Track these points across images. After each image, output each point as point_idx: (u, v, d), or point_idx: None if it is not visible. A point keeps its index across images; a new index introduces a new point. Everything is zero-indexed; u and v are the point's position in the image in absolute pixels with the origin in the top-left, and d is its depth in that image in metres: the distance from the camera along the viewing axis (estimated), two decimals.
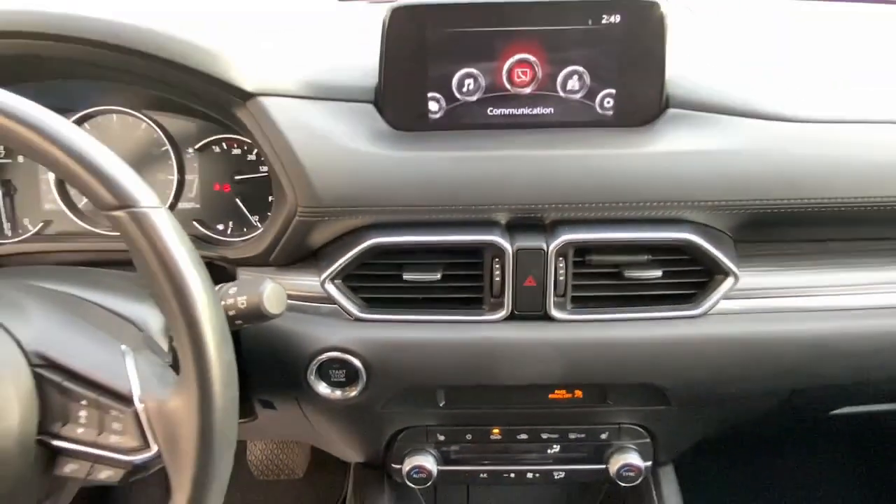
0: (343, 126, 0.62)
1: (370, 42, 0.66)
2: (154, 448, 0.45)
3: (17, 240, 0.72)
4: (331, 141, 0.61)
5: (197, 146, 0.71)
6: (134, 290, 0.59)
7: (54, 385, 0.46)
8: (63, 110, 0.58)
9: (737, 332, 0.63)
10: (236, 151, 0.70)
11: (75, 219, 0.71)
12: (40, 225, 0.72)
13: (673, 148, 0.61)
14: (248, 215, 0.71)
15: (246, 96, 0.60)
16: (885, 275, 0.68)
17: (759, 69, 0.68)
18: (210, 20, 0.68)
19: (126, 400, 0.45)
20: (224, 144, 0.71)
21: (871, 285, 0.67)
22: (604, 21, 0.60)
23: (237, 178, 0.71)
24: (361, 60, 0.66)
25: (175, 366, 0.51)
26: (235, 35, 0.65)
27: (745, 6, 0.89)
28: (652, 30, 0.60)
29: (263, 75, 0.61)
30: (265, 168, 0.70)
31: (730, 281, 0.62)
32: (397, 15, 0.60)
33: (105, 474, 0.46)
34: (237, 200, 0.71)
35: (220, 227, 0.72)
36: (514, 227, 0.62)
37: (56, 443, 0.46)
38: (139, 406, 0.44)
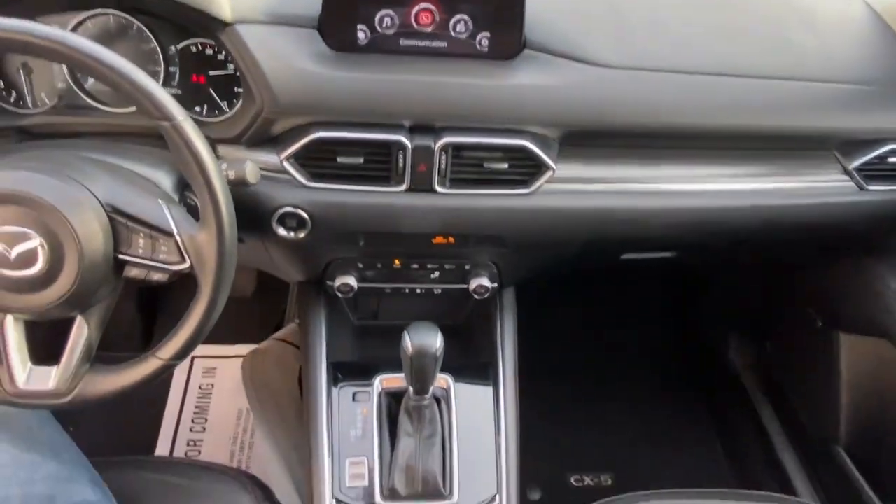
0: (296, 48, 0.86)
1: None
2: (188, 262, 0.75)
3: (38, 111, 0.94)
4: (287, 60, 0.85)
5: (178, 45, 0.92)
6: (148, 157, 0.85)
7: (121, 223, 0.74)
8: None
9: (549, 204, 0.96)
10: (209, 52, 0.93)
11: (83, 96, 0.94)
12: (56, 100, 0.94)
13: (520, 81, 0.90)
14: (219, 101, 0.95)
15: (225, 24, 0.84)
16: (668, 171, 1.00)
17: (593, 20, 0.95)
18: None
19: (168, 234, 0.74)
20: (199, 45, 0.93)
21: (654, 177, 1.00)
22: None
23: (211, 73, 0.94)
24: None
25: (191, 213, 0.80)
26: None
27: None
28: None
29: (238, 7, 0.84)
30: (233, 67, 0.93)
31: (549, 172, 0.95)
32: None
33: (157, 276, 0.76)
34: (210, 90, 0.95)
35: (197, 109, 0.95)
36: (414, 130, 0.91)
37: (125, 257, 0.75)
38: (178, 238, 0.74)
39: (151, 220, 0.74)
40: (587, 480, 1.62)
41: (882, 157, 1.02)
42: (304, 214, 0.93)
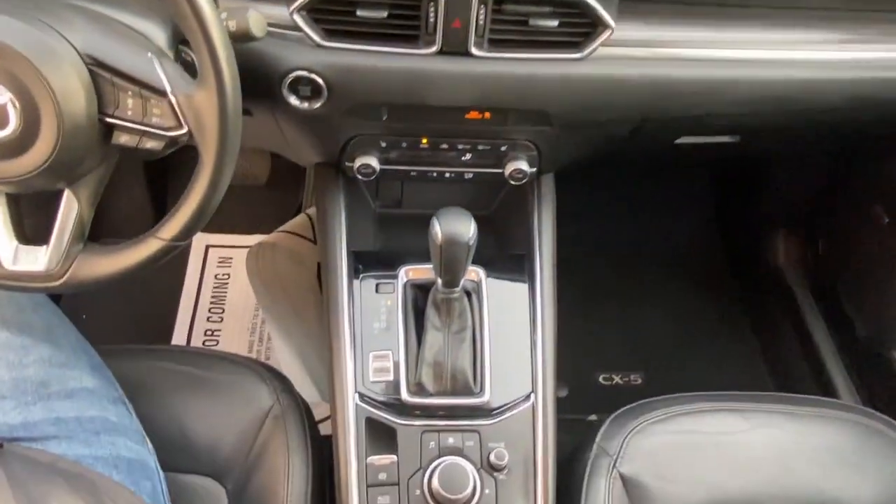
0: None
1: None
2: (185, 127, 0.64)
3: None
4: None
5: None
6: (137, 5, 0.72)
7: (105, 80, 0.63)
8: None
9: (605, 72, 0.83)
10: None
11: None
12: None
13: None
14: None
15: None
16: (744, 34, 0.87)
17: None
18: None
19: (161, 93, 0.63)
20: None
21: (729, 42, 0.87)
22: None
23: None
24: None
25: (188, 72, 0.68)
26: None
27: None
28: None
29: None
30: None
31: (607, 32, 0.80)
32: None
33: (150, 144, 0.66)
34: None
35: None
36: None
37: (112, 120, 0.64)
38: (172, 97, 0.63)
39: (140, 76, 0.63)
40: (616, 379, 1.56)
41: None
42: (319, 80, 0.81)
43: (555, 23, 0.79)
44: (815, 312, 1.51)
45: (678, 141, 1.04)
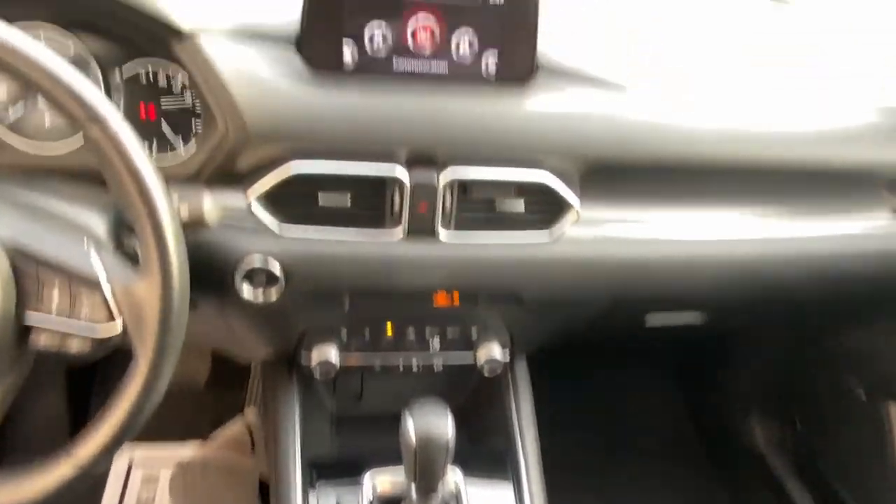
0: (269, 65, 0.72)
1: None
2: (119, 323, 0.55)
3: None
4: (258, 79, 0.70)
5: (123, 70, 0.76)
6: (76, 195, 0.67)
7: (28, 272, 0.55)
8: None
9: (574, 252, 0.81)
10: (162, 81, 0.77)
11: None
12: None
13: (536, 108, 0.77)
14: (172, 139, 0.79)
15: (183, 35, 0.68)
16: (703, 214, 0.88)
17: (613, 40, 0.84)
18: None
19: (93, 284, 0.55)
20: (151, 73, 0.77)
21: (689, 222, 0.87)
22: (490, 1, 0.74)
23: (163, 103, 0.78)
24: (284, 6, 0.75)
25: (129, 261, 0.61)
26: None
27: None
28: (528, 8, 0.75)
29: (200, 16, 0.69)
30: (189, 97, 0.77)
31: (574, 214, 0.80)
32: None
33: (76, 346, 0.56)
34: (161, 123, 0.78)
35: (145, 144, 0.79)
36: (412, 163, 0.76)
37: (32, 313, 0.55)
38: (106, 289, 0.55)
39: (70, 266, 0.55)
40: None
41: None
42: (276, 269, 0.75)
43: (521, 205, 0.78)
44: (806, 498, 1.40)
45: (648, 322, 1.01)
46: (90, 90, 0.51)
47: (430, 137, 0.75)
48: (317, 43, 0.73)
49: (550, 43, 0.78)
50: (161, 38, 0.69)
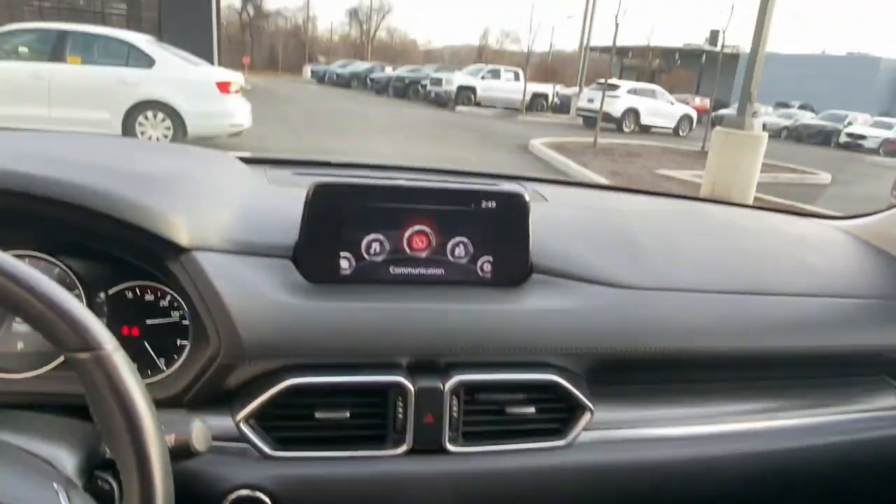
0: (266, 279, 0.70)
1: (287, 205, 0.77)
2: None
3: None
4: (255, 293, 0.69)
5: (109, 291, 0.74)
6: (44, 428, 0.59)
7: None
8: None
9: (591, 458, 0.76)
10: (149, 297, 0.75)
11: None
12: None
13: (535, 306, 0.77)
14: (156, 359, 0.74)
15: (181, 251, 0.67)
16: (713, 409, 0.85)
17: (602, 244, 0.87)
18: (141, 178, 0.75)
19: None
20: (137, 290, 0.75)
21: (701, 418, 0.84)
22: (483, 206, 0.77)
23: (148, 322, 0.75)
24: (280, 221, 0.76)
25: (100, 501, 0.52)
26: (165, 192, 0.73)
27: (581, 196, 1.14)
28: (518, 212, 0.78)
29: (196, 232, 0.69)
30: (177, 314, 0.75)
31: (587, 415, 0.75)
32: (319, 191, 0.72)
33: None
34: (145, 344, 0.74)
35: None
36: (414, 369, 0.72)
37: None
38: None
39: None
40: None
41: None
42: (266, 499, 0.66)
43: (532, 409, 0.74)
44: None
45: None
46: (82, 313, 0.48)
47: (432, 342, 0.72)
48: (315, 257, 0.73)
49: (543, 245, 0.81)
50: (157, 255, 0.68)
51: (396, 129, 12.57)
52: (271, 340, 0.67)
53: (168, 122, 6.70)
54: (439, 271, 0.77)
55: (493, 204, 0.77)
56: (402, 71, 25.46)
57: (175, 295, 0.72)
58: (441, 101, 19.69)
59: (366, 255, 0.75)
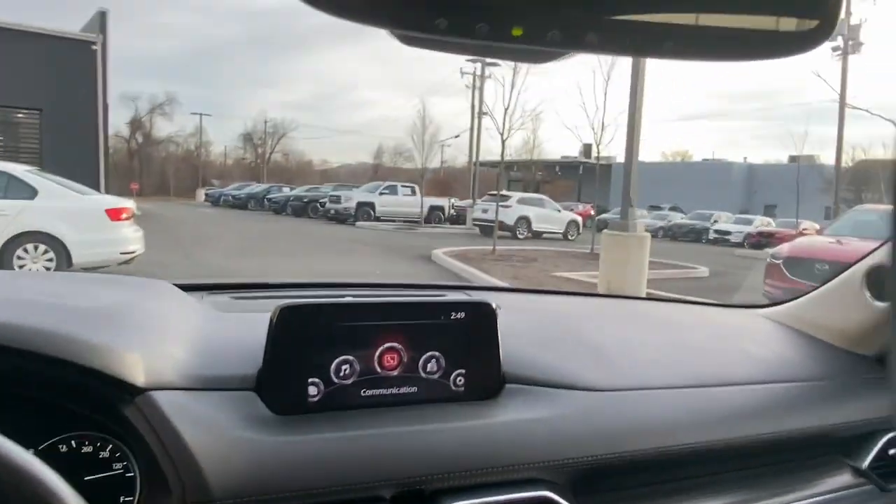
0: (229, 415, 0.64)
1: (242, 332, 0.72)
2: None
3: None
4: (219, 431, 0.62)
5: (40, 447, 0.64)
6: None
7: None
8: None
9: None
10: (87, 449, 0.66)
11: None
12: None
13: (514, 417, 0.75)
14: None
15: (136, 392, 0.60)
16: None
17: (564, 349, 0.88)
18: (85, 314, 0.68)
19: None
20: (73, 442, 0.66)
21: None
22: (452, 317, 0.76)
23: (87, 478, 0.65)
24: (237, 350, 0.71)
25: None
26: (115, 328, 0.66)
27: (525, 301, 1.16)
28: (488, 322, 0.77)
29: (152, 369, 0.63)
30: (120, 466, 0.66)
31: None
32: (285, 314, 0.68)
33: None
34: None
35: None
36: (399, 500, 0.66)
37: None
38: None
39: None
40: None
41: (884, 451, 0.95)
42: None
43: None
44: None
45: None
46: (31, 463, 0.40)
47: (413, 468, 0.68)
48: (282, 386, 0.68)
49: (512, 355, 0.80)
50: (107, 400, 0.60)
51: (300, 247, 12.49)
52: (240, 482, 0.60)
53: (50, 254, 6.28)
54: (412, 389, 0.74)
55: (463, 315, 0.76)
56: (300, 190, 25.74)
57: (119, 444, 0.64)
58: (341, 218, 19.94)
59: (335, 379, 0.70)
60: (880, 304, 1.02)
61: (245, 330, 0.71)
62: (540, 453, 0.73)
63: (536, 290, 1.20)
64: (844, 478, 0.94)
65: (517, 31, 0.37)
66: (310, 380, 0.69)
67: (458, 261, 10.20)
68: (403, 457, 0.68)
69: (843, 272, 1.11)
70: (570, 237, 18.71)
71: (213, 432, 0.61)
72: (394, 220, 20.08)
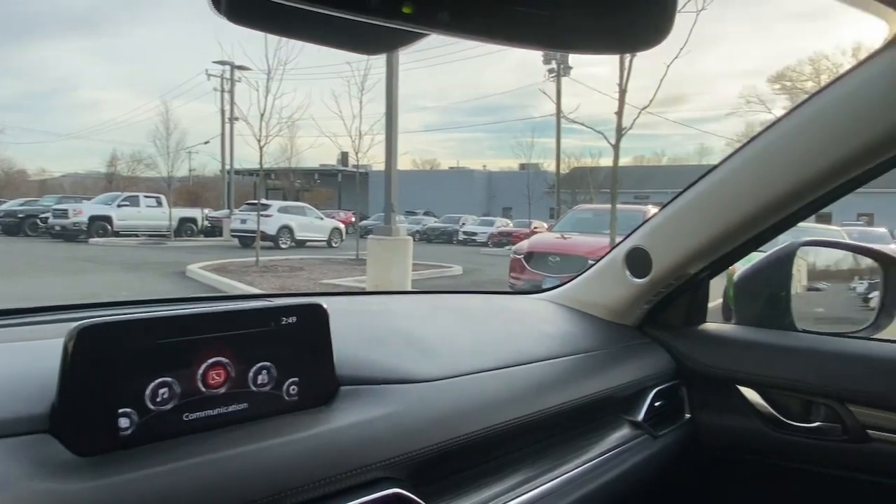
0: (19, 465, 0.51)
1: (22, 365, 0.59)
2: None
3: None
4: (8, 487, 0.49)
5: None
6: None
7: None
8: None
9: None
10: None
11: None
12: None
13: (352, 420, 0.72)
14: None
15: None
16: (520, 477, 0.88)
17: (392, 345, 0.87)
18: None
19: None
20: None
21: (517, 488, 0.86)
22: (283, 322, 0.70)
23: None
24: (20, 386, 0.58)
25: None
26: None
27: (341, 302, 1.13)
28: (320, 325, 0.73)
29: None
30: None
31: None
32: (85, 335, 0.57)
33: None
34: None
35: None
36: None
37: None
38: None
39: None
40: None
41: (653, 404, 1.12)
42: None
43: None
44: None
45: None
46: None
47: (249, 493, 0.61)
48: (83, 423, 0.57)
49: (342, 357, 0.77)
50: None
51: (18, 269, 10.54)
52: None
53: None
54: (243, 406, 0.67)
55: (294, 319, 0.71)
56: (13, 204, 21.69)
57: None
58: (69, 235, 17.31)
59: (152, 406, 0.60)
60: (638, 280, 1.20)
61: (30, 361, 0.58)
62: (384, 451, 0.72)
63: (352, 293, 1.18)
64: (624, 432, 1.09)
65: (407, 9, 0.36)
66: (120, 410, 0.58)
67: (218, 274, 9.57)
68: (237, 481, 0.61)
69: (598, 260, 1.29)
70: (333, 244, 18.75)
71: (1, 489, 0.49)
72: (137, 235, 18.06)
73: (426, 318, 1.05)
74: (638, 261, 1.20)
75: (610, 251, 1.28)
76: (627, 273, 1.22)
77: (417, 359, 0.85)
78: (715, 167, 1.12)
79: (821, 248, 1.44)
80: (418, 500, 0.71)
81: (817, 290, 1.70)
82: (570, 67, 24.12)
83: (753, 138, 1.08)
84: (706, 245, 1.12)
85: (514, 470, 0.90)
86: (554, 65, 23.73)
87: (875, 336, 1.24)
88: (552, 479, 0.92)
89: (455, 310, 1.16)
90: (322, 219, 19.25)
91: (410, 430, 0.75)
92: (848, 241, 1.37)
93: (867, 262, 1.41)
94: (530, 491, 0.88)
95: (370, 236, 9.23)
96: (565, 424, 1.01)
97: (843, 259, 1.68)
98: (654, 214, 1.21)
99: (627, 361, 1.14)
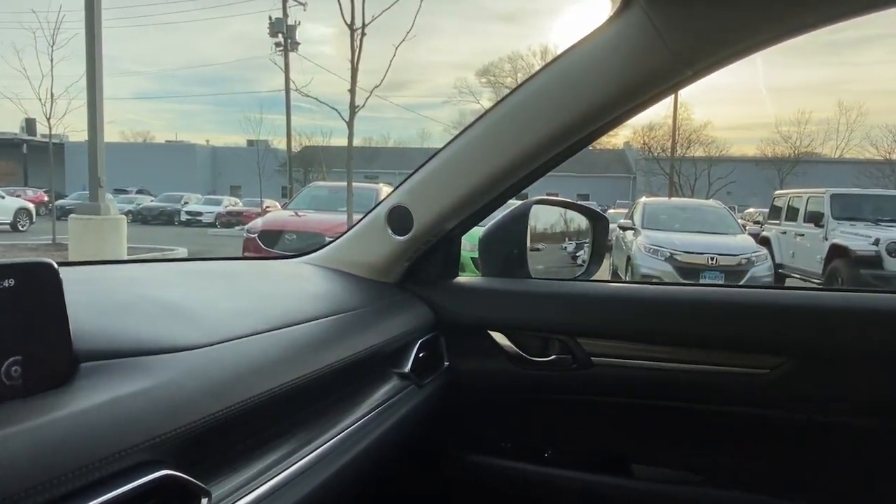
0: None
1: None
2: None
3: None
4: None
5: None
6: None
7: None
8: None
9: None
10: None
11: None
12: None
13: (97, 401, 0.60)
14: None
15: None
16: (299, 443, 0.84)
17: (146, 313, 0.75)
18: None
19: None
20: None
21: (296, 453, 0.82)
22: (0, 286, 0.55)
23: None
24: None
25: None
26: None
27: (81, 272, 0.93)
28: (50, 290, 0.59)
29: None
30: None
31: (204, 502, 0.64)
32: None
33: None
34: None
35: None
36: None
37: None
38: None
39: None
40: None
41: (417, 355, 1.16)
42: None
43: None
44: None
45: None
46: None
47: None
48: None
49: (84, 329, 0.64)
50: None
51: None
52: None
53: None
54: None
55: (13, 282, 0.56)
56: None
57: None
58: None
59: None
60: (400, 238, 1.23)
61: None
62: (144, 431, 0.61)
63: (82, 263, 0.98)
64: (393, 383, 1.11)
65: None
66: None
67: None
68: None
69: (329, 236, 1.29)
70: (21, 227, 15.74)
71: None
72: None
73: (183, 284, 0.93)
74: (399, 219, 1.22)
75: (371, 211, 1.28)
76: (389, 231, 1.23)
77: (177, 326, 0.75)
78: (468, 127, 1.18)
79: (545, 208, 1.64)
80: (193, 479, 0.63)
81: (538, 250, 1.94)
82: (298, 43, 23.64)
83: (498, 103, 1.17)
84: (459, 203, 1.19)
85: (294, 434, 0.85)
86: (280, 38, 22.97)
87: (591, 279, 1.46)
88: (332, 438, 0.90)
89: (215, 274, 1.05)
90: (4, 198, 16.00)
91: (176, 404, 0.65)
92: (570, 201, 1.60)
93: (578, 221, 1.65)
94: (311, 452, 0.85)
95: (72, 216, 7.94)
96: (340, 382, 0.99)
97: (557, 222, 1.96)
98: (414, 172, 1.24)
99: (393, 316, 1.17)
